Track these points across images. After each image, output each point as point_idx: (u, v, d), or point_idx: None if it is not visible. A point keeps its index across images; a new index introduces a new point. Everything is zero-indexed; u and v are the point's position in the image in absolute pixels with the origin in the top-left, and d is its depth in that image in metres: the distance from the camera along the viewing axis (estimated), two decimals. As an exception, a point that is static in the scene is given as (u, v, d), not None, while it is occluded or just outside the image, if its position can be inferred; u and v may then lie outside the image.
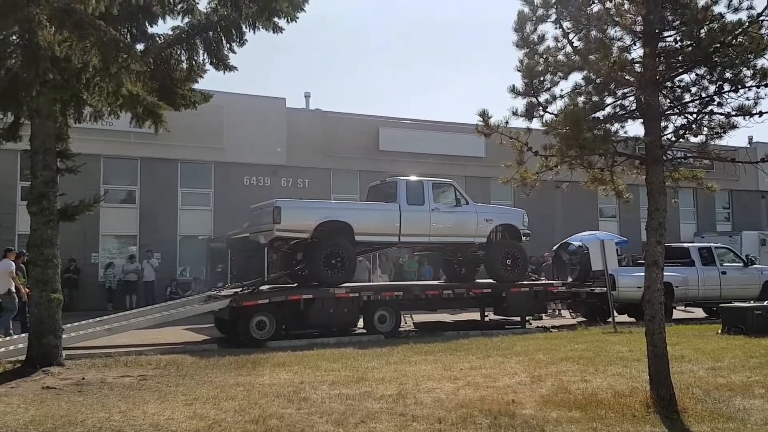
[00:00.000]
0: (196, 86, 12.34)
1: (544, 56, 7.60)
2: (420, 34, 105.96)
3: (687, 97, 7.49)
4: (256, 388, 8.43)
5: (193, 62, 11.52)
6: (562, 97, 7.71)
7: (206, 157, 24.59)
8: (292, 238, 14.60)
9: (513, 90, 7.66)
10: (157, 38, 11.50)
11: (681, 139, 7.66)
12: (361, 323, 14.99)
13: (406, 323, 16.24)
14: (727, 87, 7.13)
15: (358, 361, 10.51)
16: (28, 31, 9.42)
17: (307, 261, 14.78)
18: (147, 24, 11.36)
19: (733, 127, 7.29)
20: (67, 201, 11.17)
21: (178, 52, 11.45)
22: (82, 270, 21.96)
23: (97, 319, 13.68)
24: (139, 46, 11.13)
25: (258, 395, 7.95)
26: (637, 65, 7.34)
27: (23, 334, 11.98)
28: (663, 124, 7.54)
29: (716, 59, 6.97)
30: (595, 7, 7.38)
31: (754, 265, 19.52)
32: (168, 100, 11.75)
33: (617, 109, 7.71)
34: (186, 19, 11.22)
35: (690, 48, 7.12)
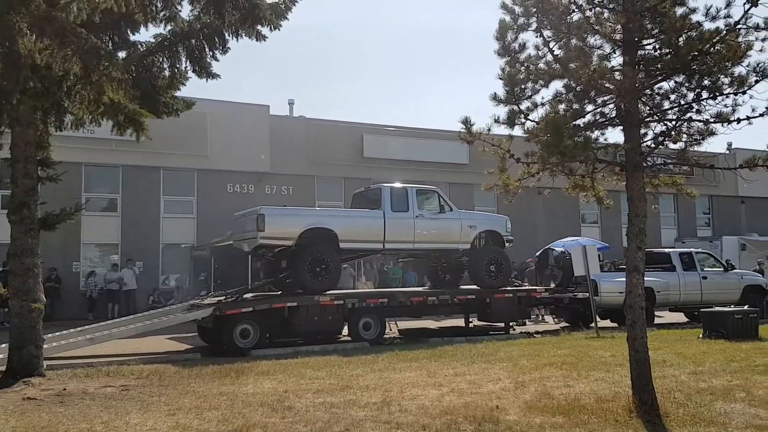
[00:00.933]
0: (178, 94, 12.31)
1: (526, 64, 7.66)
2: (404, 41, 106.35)
3: (666, 105, 7.59)
4: (240, 397, 8.38)
5: (176, 70, 11.50)
6: (543, 104, 7.78)
7: (189, 165, 24.46)
8: (276, 245, 14.56)
9: (495, 98, 7.71)
10: (139, 46, 11.47)
11: (660, 146, 7.75)
12: (345, 331, 14.97)
13: (390, 330, 16.23)
14: (705, 94, 7.24)
15: (342, 369, 10.49)
16: (8, 38, 9.33)
17: (292, 269, 14.72)
18: (129, 32, 11.34)
19: (712, 133, 7.40)
20: (48, 210, 11.08)
21: (161, 60, 11.41)
22: (63, 279, 21.73)
23: (79, 328, 13.55)
24: (121, 54, 11.11)
25: (241, 405, 7.90)
26: (617, 73, 7.42)
27: (3, 345, 11.83)
28: (643, 131, 7.63)
29: (695, 67, 7.08)
30: (575, 16, 7.46)
31: (735, 270, 19.74)
32: (150, 108, 11.70)
33: (597, 117, 7.79)
34: (168, 27, 11.22)
35: (669, 56, 7.21)
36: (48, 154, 11.29)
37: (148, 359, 12.18)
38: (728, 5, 6.87)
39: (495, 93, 7.71)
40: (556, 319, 19.22)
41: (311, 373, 10.18)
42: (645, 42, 7.41)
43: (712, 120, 7.29)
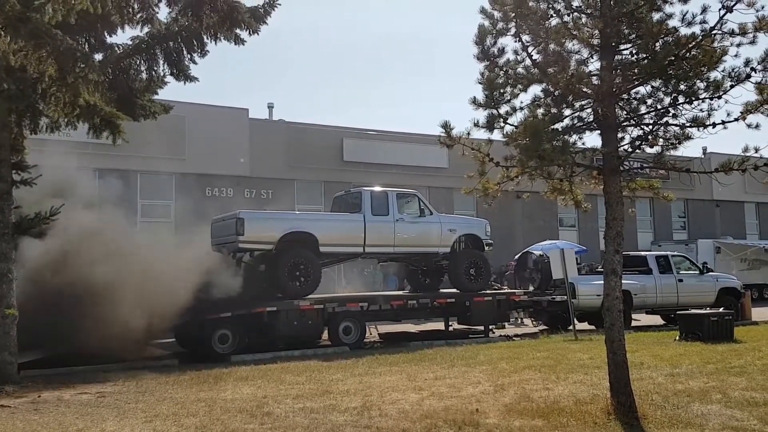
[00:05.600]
0: (156, 96, 12.20)
1: (504, 69, 7.70)
2: (386, 46, 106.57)
3: (643, 109, 7.67)
4: (218, 403, 8.30)
5: (153, 72, 11.42)
6: (522, 109, 7.82)
7: (167, 168, 24.21)
8: (255, 249, 14.48)
9: (474, 102, 7.73)
10: (116, 48, 11.37)
11: (637, 150, 7.82)
12: (325, 335, 14.90)
13: (371, 334, 16.20)
14: (681, 99, 7.32)
15: (322, 374, 10.44)
16: (-19, 40, 9.19)
17: (271, 273, 14.65)
18: (106, 34, 11.25)
19: (688, 138, 7.49)
20: (22, 214, 10.91)
21: (138, 62, 11.33)
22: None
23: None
24: (98, 56, 11.02)
25: (220, 411, 7.82)
26: (595, 78, 7.50)
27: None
28: (620, 135, 7.69)
29: (671, 72, 7.15)
30: (554, 21, 7.51)
31: (710, 273, 19.99)
32: (127, 111, 11.60)
33: (575, 121, 7.84)
34: (146, 29, 11.12)
35: (646, 61, 7.29)
36: (23, 158, 11.13)
37: (124, 366, 12.01)
38: (704, 11, 6.96)
39: (474, 97, 7.73)
40: (534, 322, 19.31)
41: (291, 378, 10.12)
42: (622, 47, 7.48)
43: (688, 124, 7.37)
